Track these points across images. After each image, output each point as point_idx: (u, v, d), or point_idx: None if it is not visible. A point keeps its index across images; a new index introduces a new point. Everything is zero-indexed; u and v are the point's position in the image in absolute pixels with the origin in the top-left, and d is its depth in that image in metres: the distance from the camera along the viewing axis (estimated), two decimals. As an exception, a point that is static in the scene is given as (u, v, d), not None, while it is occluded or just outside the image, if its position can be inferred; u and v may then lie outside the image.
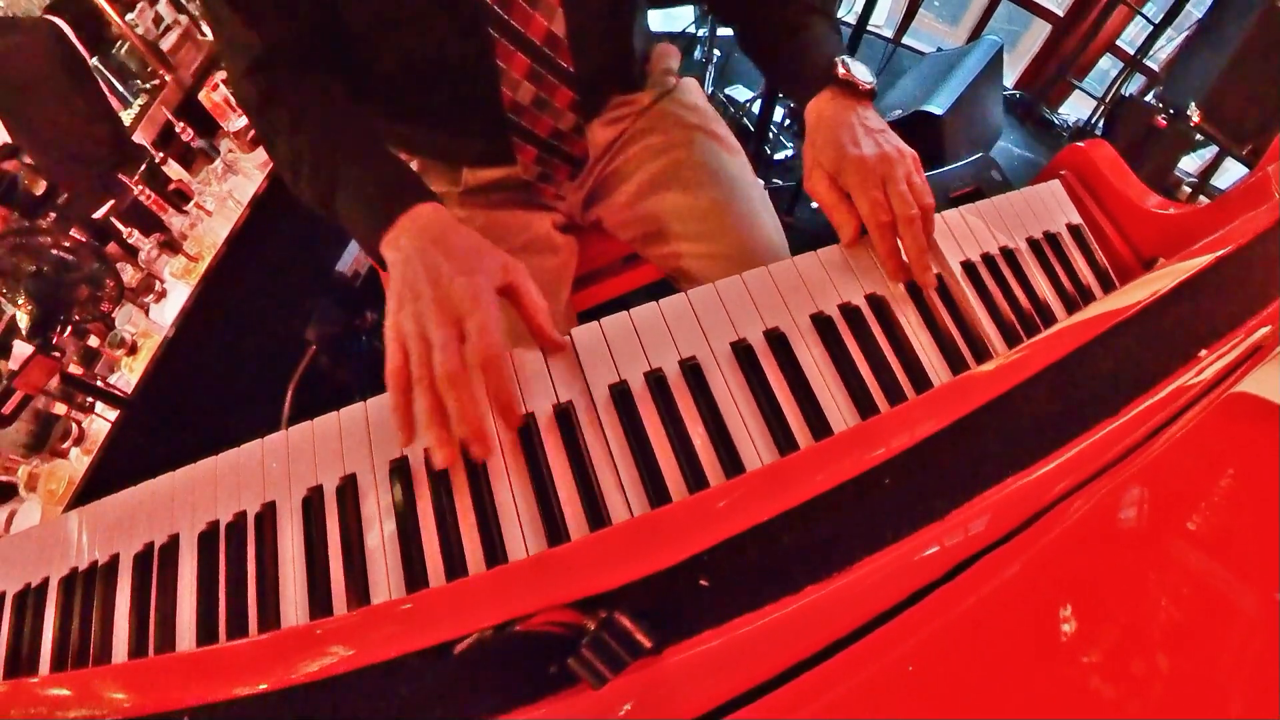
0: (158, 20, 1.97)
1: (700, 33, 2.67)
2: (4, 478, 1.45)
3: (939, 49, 2.56)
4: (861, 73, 0.66)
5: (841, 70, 0.65)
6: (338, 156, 0.62)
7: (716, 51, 2.59)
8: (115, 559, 0.54)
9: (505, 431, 0.53)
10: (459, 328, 0.50)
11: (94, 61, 1.93)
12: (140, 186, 1.61)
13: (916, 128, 1.98)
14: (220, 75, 1.78)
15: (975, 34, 2.98)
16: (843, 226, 0.62)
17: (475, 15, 0.65)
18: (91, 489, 1.44)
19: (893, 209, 0.59)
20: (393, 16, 0.66)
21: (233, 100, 1.75)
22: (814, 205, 0.80)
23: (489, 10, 0.65)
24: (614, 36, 0.77)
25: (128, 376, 1.55)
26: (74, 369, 1.47)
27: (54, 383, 1.30)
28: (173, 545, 0.53)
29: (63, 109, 1.65)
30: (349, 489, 0.52)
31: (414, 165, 0.85)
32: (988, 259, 0.64)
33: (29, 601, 0.55)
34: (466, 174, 0.83)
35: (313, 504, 0.52)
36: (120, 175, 1.64)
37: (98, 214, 1.64)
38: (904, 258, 0.60)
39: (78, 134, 1.66)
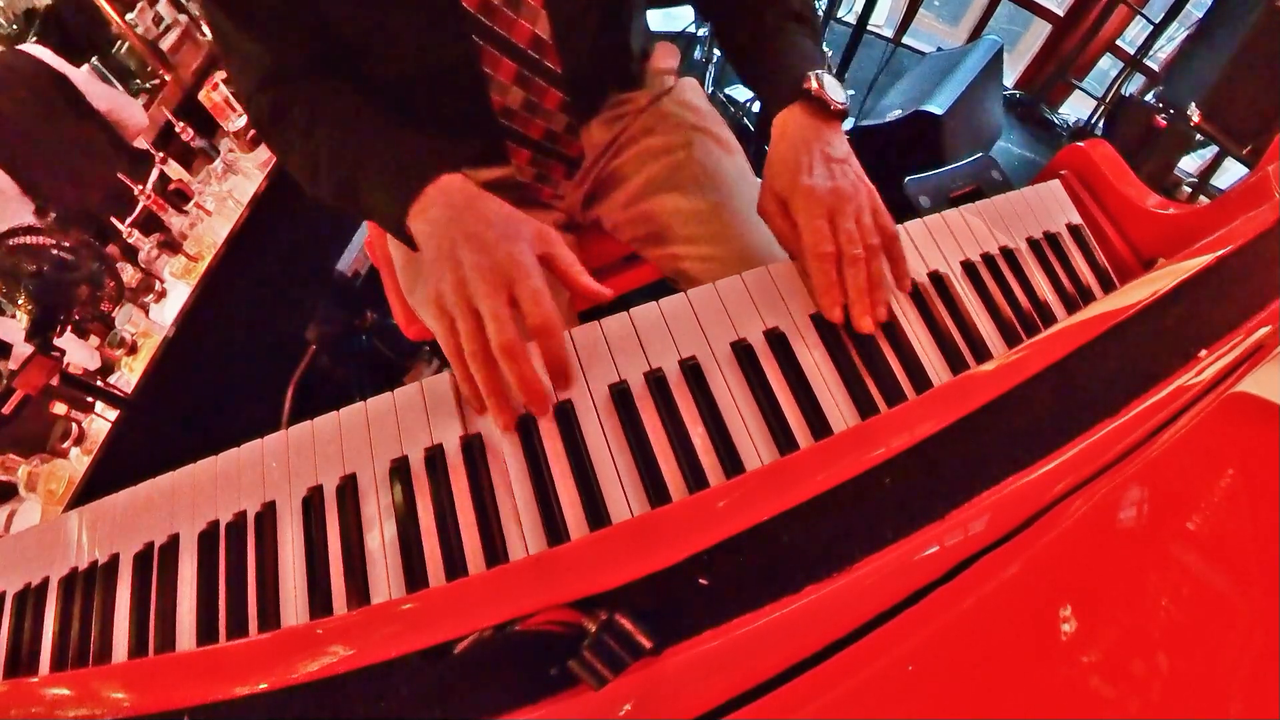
0: (158, 20, 1.98)
1: (700, 32, 2.67)
2: (4, 477, 1.45)
3: (939, 49, 2.56)
4: (834, 90, 0.63)
5: (814, 85, 0.62)
6: (355, 146, 0.62)
7: (716, 51, 2.58)
8: (115, 559, 0.54)
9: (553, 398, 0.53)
10: (508, 294, 0.49)
11: (94, 61, 1.93)
12: (141, 187, 1.61)
13: (916, 128, 1.98)
14: (220, 75, 1.79)
15: (975, 34, 2.97)
16: (794, 256, 0.61)
17: (459, 25, 0.65)
18: (91, 489, 1.44)
19: (837, 243, 0.57)
20: (379, 30, 0.66)
21: (233, 100, 1.75)
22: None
23: (473, 19, 0.65)
24: (605, 35, 0.77)
25: (128, 376, 1.55)
26: (74, 369, 1.47)
27: (54, 382, 1.30)
28: (173, 545, 0.53)
29: (61, 137, 1.67)
30: (349, 489, 0.52)
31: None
32: (988, 259, 0.64)
33: (29, 601, 0.55)
34: (466, 174, 0.83)
35: (313, 504, 0.52)
36: (122, 177, 1.64)
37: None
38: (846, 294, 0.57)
39: (80, 157, 1.68)
